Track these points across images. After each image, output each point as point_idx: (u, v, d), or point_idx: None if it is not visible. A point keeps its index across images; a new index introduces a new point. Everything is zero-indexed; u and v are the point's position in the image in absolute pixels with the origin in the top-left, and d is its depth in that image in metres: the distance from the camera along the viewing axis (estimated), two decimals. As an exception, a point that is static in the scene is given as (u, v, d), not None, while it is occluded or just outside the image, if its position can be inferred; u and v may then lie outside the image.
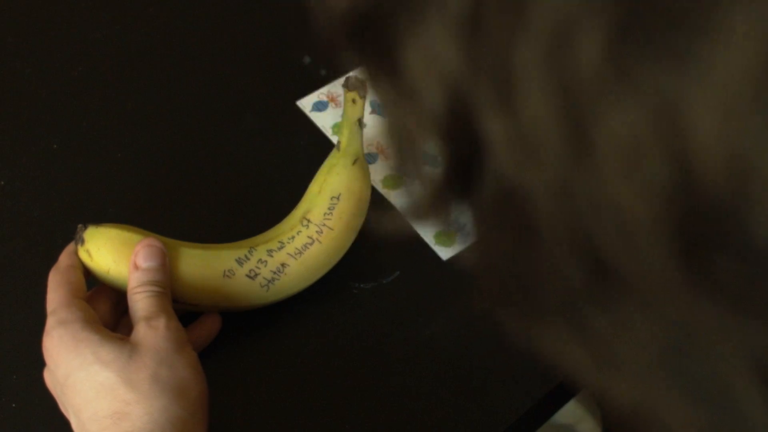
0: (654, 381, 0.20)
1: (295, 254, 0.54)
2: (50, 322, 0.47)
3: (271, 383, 0.55)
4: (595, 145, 0.17)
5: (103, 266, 0.51)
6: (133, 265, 0.50)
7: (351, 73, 0.58)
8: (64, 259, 0.52)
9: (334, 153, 0.57)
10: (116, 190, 0.64)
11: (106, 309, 0.52)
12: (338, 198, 0.55)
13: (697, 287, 0.17)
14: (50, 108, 0.70)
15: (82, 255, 0.52)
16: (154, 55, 0.74)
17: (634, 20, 0.15)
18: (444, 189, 0.21)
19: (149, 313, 0.48)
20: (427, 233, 0.61)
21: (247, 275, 0.53)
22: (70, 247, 0.52)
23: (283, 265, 0.54)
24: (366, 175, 0.57)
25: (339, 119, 0.68)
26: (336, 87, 0.71)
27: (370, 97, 0.59)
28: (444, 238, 0.61)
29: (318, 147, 0.65)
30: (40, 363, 0.50)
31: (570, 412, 0.98)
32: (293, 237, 0.55)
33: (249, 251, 0.54)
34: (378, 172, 0.65)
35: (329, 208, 0.55)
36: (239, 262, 0.53)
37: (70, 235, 0.53)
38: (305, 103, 0.70)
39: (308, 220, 0.55)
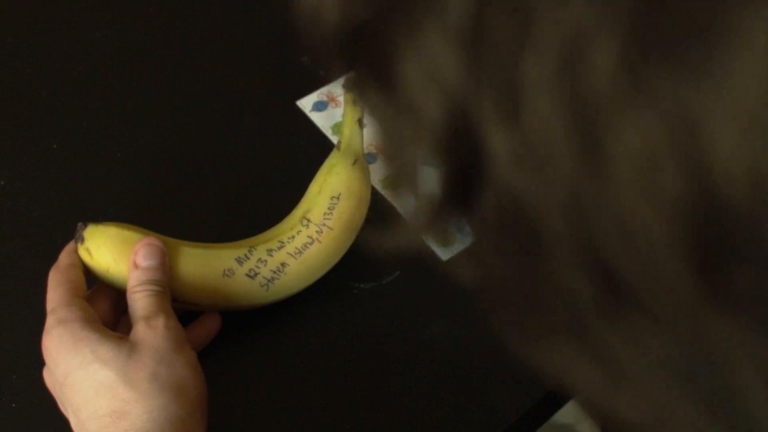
0: (666, 397, 0.20)
1: (295, 254, 0.54)
2: (50, 321, 0.47)
3: (271, 383, 0.55)
4: (609, 157, 0.16)
5: (102, 265, 0.51)
6: (132, 264, 0.50)
7: (351, 74, 0.58)
8: (64, 257, 0.52)
9: (334, 153, 0.57)
10: (116, 190, 0.64)
11: (106, 308, 0.52)
12: (338, 198, 0.55)
13: (714, 302, 0.17)
14: (50, 108, 0.70)
15: (82, 253, 0.52)
16: (154, 55, 0.74)
17: (650, 30, 0.15)
18: (443, 205, 0.21)
19: (148, 312, 0.48)
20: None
21: (247, 275, 0.53)
22: (70, 245, 0.52)
23: (282, 264, 0.54)
24: (366, 175, 0.57)
25: (339, 119, 0.68)
26: (336, 87, 0.71)
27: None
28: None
29: (318, 147, 0.65)
30: (39, 363, 0.50)
31: (570, 412, 0.98)
32: (293, 237, 0.55)
33: (249, 251, 0.54)
34: (378, 172, 0.65)
35: (329, 208, 0.55)
36: (239, 261, 0.53)
37: (70, 235, 0.53)
38: (305, 103, 0.70)
39: (308, 220, 0.55)
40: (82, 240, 0.52)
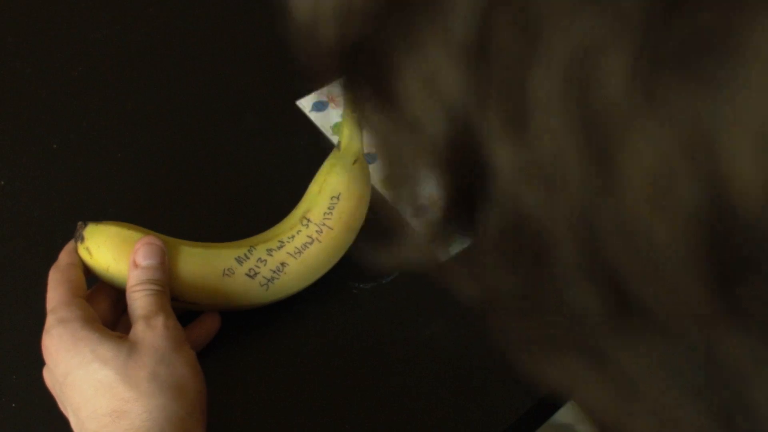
0: (677, 412, 0.20)
1: (295, 253, 0.54)
2: (50, 320, 0.48)
3: (271, 383, 0.55)
4: (621, 171, 0.16)
5: (102, 264, 0.51)
6: (132, 263, 0.50)
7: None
8: (64, 257, 0.52)
9: (334, 153, 0.57)
10: (116, 190, 0.64)
11: (106, 307, 0.52)
12: (338, 198, 0.55)
13: (728, 316, 0.16)
14: (50, 108, 0.70)
15: (82, 252, 0.52)
16: (154, 55, 0.74)
17: (663, 42, 0.15)
18: (444, 223, 0.21)
19: (148, 311, 0.48)
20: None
21: (247, 274, 0.53)
22: (70, 244, 0.52)
23: (282, 264, 0.54)
24: (366, 175, 0.57)
25: (339, 119, 0.68)
26: (336, 87, 0.71)
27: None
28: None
29: (318, 147, 0.65)
30: (39, 363, 0.50)
31: (570, 412, 0.98)
32: (293, 236, 0.55)
33: (249, 250, 0.54)
34: (378, 172, 0.65)
35: (329, 208, 0.55)
36: (239, 260, 0.53)
37: (70, 235, 0.53)
38: (305, 103, 0.70)
39: (308, 220, 0.55)
40: (82, 239, 0.52)
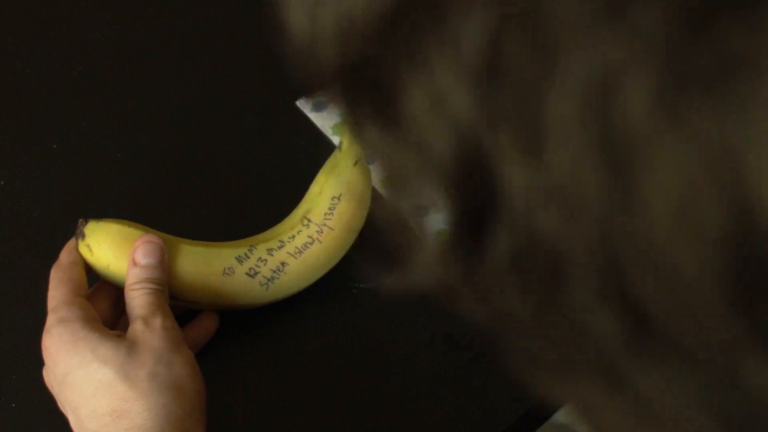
0: None
1: (295, 253, 0.54)
2: (50, 320, 0.47)
3: (271, 383, 0.55)
4: (643, 193, 0.15)
5: (103, 261, 0.51)
6: (131, 262, 0.50)
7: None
8: (65, 255, 0.52)
9: (335, 153, 0.57)
10: (116, 190, 0.64)
11: (106, 307, 0.52)
12: (339, 198, 0.55)
13: (753, 341, 0.16)
14: (50, 108, 0.70)
15: (83, 250, 0.52)
16: (154, 55, 0.74)
17: (686, 62, 0.15)
18: (452, 243, 0.20)
19: (146, 311, 0.48)
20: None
21: (247, 273, 0.53)
22: (71, 242, 0.52)
23: (283, 264, 0.54)
24: (367, 175, 0.57)
25: (338, 119, 0.68)
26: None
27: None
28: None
29: (317, 147, 0.65)
30: (39, 363, 0.50)
31: (570, 412, 0.98)
32: (294, 236, 0.55)
33: (249, 249, 0.54)
34: (379, 173, 0.64)
35: (330, 208, 0.55)
36: (239, 260, 0.53)
37: (70, 235, 0.53)
38: (305, 103, 0.70)
39: (309, 220, 0.55)
40: (83, 236, 0.52)
